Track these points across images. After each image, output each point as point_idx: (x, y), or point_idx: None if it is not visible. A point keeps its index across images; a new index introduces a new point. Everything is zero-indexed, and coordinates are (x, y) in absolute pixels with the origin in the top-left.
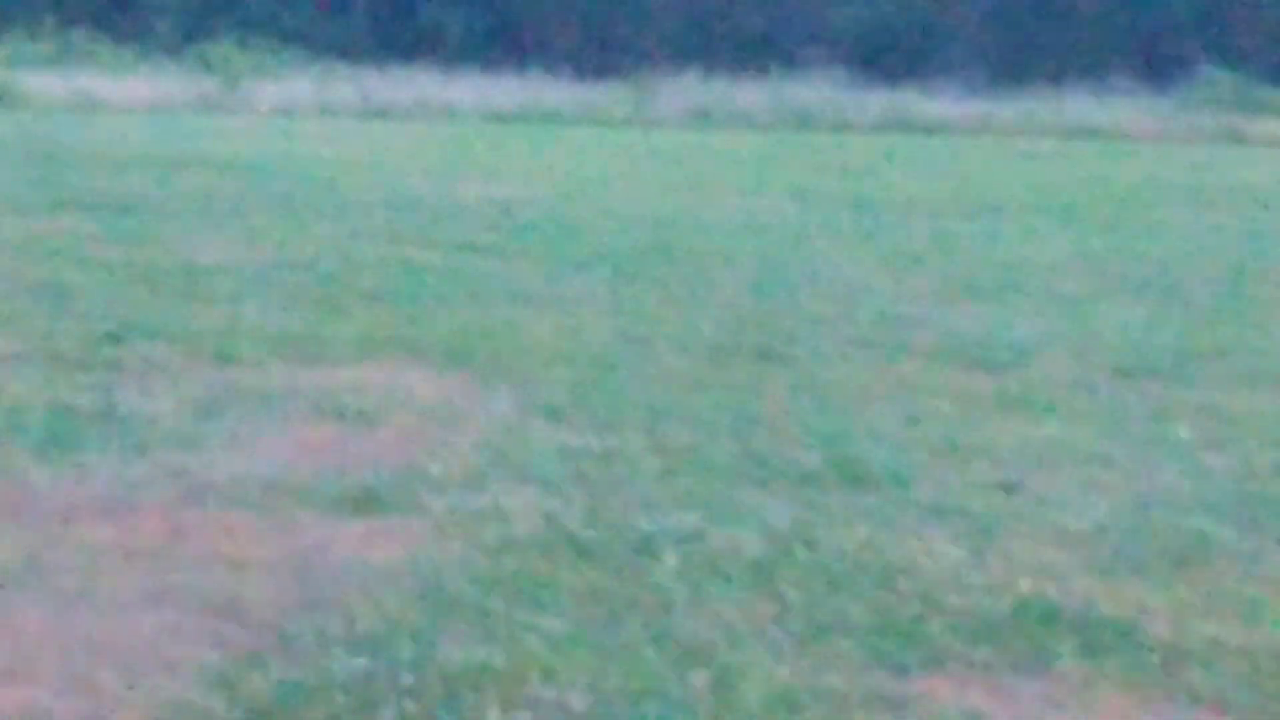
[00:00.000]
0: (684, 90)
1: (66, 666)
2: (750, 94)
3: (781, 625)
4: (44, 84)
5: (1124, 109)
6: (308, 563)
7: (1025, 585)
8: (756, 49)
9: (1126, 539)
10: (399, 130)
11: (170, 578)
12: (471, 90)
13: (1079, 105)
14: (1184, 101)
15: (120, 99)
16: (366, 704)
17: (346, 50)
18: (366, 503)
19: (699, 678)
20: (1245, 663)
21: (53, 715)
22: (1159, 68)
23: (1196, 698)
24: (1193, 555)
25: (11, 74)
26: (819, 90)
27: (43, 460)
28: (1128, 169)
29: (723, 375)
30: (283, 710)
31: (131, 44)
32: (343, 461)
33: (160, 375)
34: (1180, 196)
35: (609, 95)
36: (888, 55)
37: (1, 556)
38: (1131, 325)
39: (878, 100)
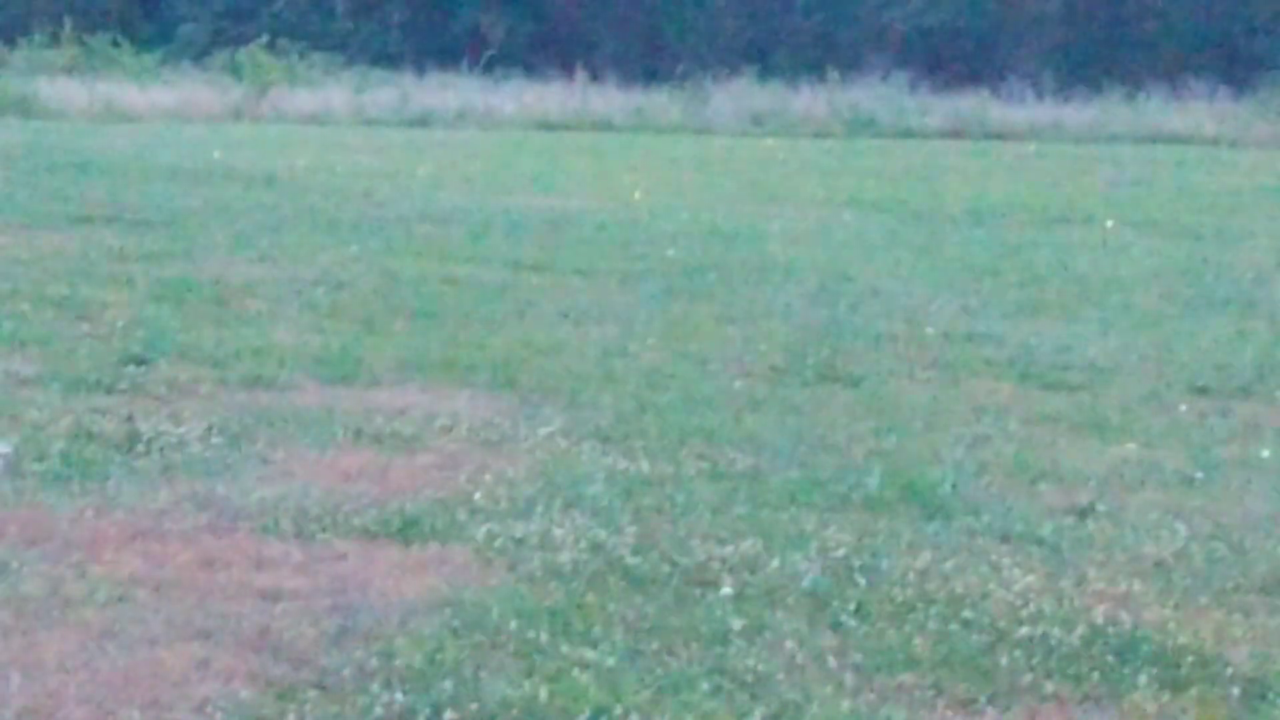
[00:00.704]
0: (738, 95)
1: (93, 704)
2: (807, 99)
3: (843, 658)
4: (64, 92)
5: (1202, 113)
6: (345, 594)
7: (1099, 614)
8: (814, 51)
9: (1207, 566)
10: (440, 139)
11: (200, 610)
12: (515, 97)
13: (1155, 109)
14: (1264, 104)
15: (144, 107)
16: None
17: (383, 55)
18: (406, 531)
19: (757, 713)
20: None
21: None
22: (1237, 69)
23: None
24: (1277, 583)
25: (30, 82)
26: (880, 94)
27: (65, 488)
28: (1207, 175)
29: (782, 396)
30: None
31: (155, 49)
32: (382, 488)
33: (188, 398)
34: (1264, 204)
35: (660, 101)
36: (952, 58)
37: (25, 589)
38: (1212, 341)
39: (943, 104)
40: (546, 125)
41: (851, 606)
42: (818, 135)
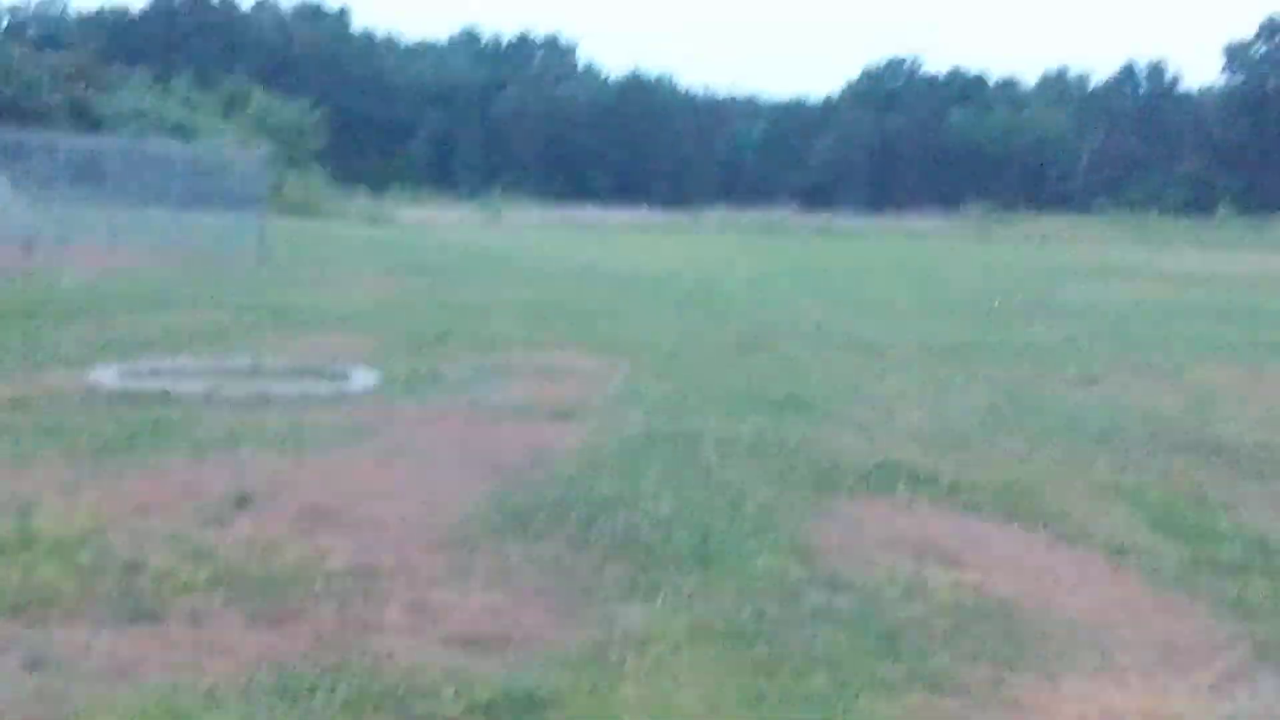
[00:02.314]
0: (716, 214)
1: (383, 498)
2: (748, 215)
3: (765, 472)
4: (407, 213)
5: (935, 220)
6: (534, 445)
7: (885, 454)
8: (752, 190)
9: (935, 432)
10: (579, 234)
11: (463, 452)
12: (609, 213)
13: (916, 218)
14: (963, 216)
15: (443, 220)
16: (561, 512)
17: (553, 192)
18: (561, 415)
19: (724, 499)
20: (993, 488)
21: (405, 517)
22: (952, 199)
23: (969, 508)
24: (967, 439)
25: (392, 208)
26: (785, 212)
27: (407, 396)
28: (935, 251)
29: (738, 357)
30: (525, 515)
31: (450, 192)
32: (552, 396)
33: (461, 355)
34: (962, 263)
35: (677, 216)
36: (819, 193)
37: (379, 444)
38: (940, 329)
39: (817, 218)
40: (625, 229)
41: (770, 453)
42: (759, 233)
